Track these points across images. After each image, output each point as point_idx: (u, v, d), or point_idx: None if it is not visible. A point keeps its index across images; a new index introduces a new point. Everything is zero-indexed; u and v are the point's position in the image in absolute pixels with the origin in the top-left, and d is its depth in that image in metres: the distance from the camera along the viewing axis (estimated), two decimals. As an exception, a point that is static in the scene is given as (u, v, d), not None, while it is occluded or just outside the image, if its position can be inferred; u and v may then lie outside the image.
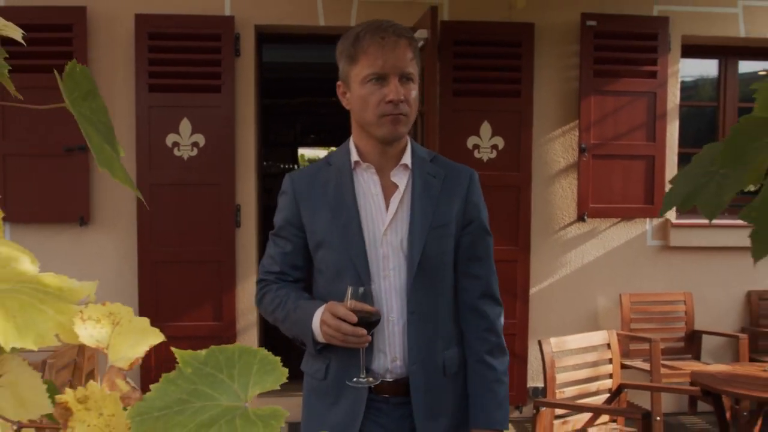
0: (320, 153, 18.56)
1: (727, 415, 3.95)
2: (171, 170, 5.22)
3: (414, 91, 2.02)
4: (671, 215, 5.81)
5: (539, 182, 5.68)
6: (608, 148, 5.69)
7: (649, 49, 5.73)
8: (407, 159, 2.10)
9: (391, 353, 2.03)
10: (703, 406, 5.68)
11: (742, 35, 5.89)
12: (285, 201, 2.12)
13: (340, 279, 2.02)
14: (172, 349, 0.61)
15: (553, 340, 3.88)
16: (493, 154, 5.55)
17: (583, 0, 5.66)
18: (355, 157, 2.09)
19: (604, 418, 4.00)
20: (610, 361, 4.09)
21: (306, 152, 17.75)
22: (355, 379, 1.98)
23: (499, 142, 5.56)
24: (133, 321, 0.63)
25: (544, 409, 3.70)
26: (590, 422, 3.92)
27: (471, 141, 5.53)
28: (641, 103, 5.74)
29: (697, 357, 5.55)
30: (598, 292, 5.71)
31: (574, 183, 5.70)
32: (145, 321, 0.64)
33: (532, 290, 5.64)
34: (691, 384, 3.95)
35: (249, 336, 5.42)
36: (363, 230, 2.04)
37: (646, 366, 5.02)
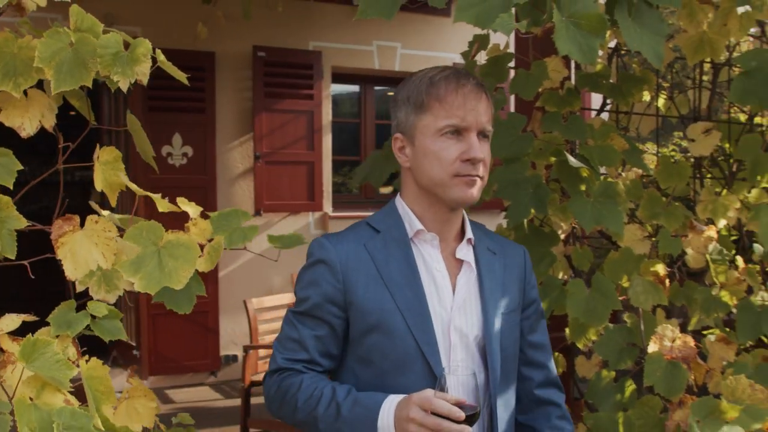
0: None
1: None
2: None
3: (489, 152, 1.79)
4: (329, 209, 7.44)
5: (223, 184, 6.99)
6: (278, 155, 7.19)
7: (307, 77, 7.33)
8: (469, 231, 1.85)
9: None
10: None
11: (376, 67, 7.75)
12: (323, 272, 1.75)
13: (402, 372, 1.69)
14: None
15: (254, 299, 5.21)
16: (184, 161, 6.75)
17: (254, 34, 7.10)
18: (417, 225, 1.78)
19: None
20: (296, 316, 5.53)
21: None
22: None
23: (189, 150, 6.78)
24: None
25: (251, 351, 5.01)
26: (284, 362, 5.31)
27: (165, 150, 6.68)
28: (302, 119, 7.33)
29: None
30: (274, 273, 7.14)
31: (251, 184, 7.10)
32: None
33: (221, 273, 6.93)
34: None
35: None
36: (431, 314, 1.73)
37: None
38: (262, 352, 5.14)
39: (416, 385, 1.65)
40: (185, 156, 6.75)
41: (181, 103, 6.73)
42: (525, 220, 2.61)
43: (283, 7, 6.85)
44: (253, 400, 5.11)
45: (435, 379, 1.66)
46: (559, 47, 2.00)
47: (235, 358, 6.94)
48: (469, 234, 1.83)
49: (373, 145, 8.04)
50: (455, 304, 1.76)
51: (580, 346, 2.71)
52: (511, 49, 3.13)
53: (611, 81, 2.95)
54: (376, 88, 8.17)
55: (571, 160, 2.42)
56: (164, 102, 6.66)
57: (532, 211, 2.44)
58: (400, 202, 1.84)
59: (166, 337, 6.61)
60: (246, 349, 5.02)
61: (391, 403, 1.62)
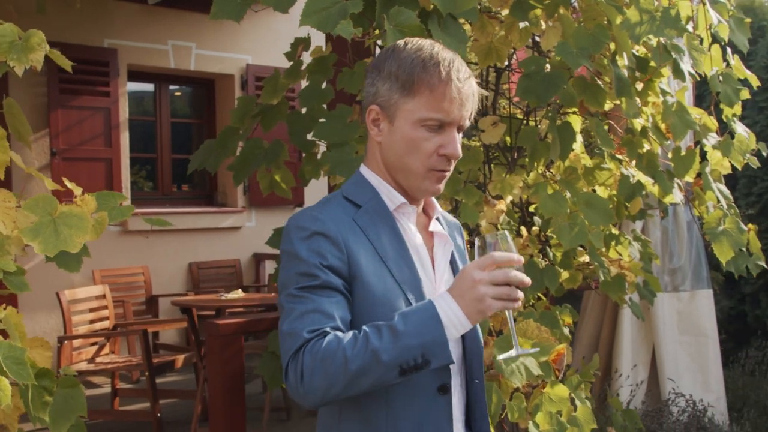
0: None
1: (195, 323, 5.79)
2: None
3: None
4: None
5: (18, 180, 6.93)
6: (76, 152, 7.24)
7: (103, 74, 7.44)
8: (437, 204, 1.85)
9: (455, 426, 1.76)
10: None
11: (172, 66, 7.98)
12: (325, 245, 1.63)
13: None
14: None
15: (67, 291, 5.34)
16: (-24, 158, 6.66)
17: (48, 29, 7.05)
18: (400, 198, 1.74)
19: (107, 350, 5.59)
20: (106, 307, 5.71)
21: None
22: (513, 353, 1.64)
23: (-19, 147, 6.70)
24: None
25: (66, 342, 5.15)
26: (98, 353, 5.47)
27: (-45, 146, 6.56)
28: (100, 116, 7.43)
29: (156, 315, 7.41)
30: (74, 271, 7.16)
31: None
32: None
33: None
34: (175, 305, 5.77)
35: None
36: (424, 290, 1.70)
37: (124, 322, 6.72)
38: (76, 342, 5.28)
39: None
40: (-23, 152, 6.66)
41: (-29, 99, 6.64)
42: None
43: (80, 3, 6.93)
44: (68, 391, 5.24)
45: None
46: (389, 50, 2.50)
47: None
48: (438, 208, 1.84)
49: (169, 143, 8.25)
50: (438, 277, 1.76)
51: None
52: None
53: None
54: (171, 87, 8.39)
55: (394, 143, 2.94)
56: (-47, 96, 6.55)
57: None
58: (370, 173, 1.78)
59: (-38, 337, 6.49)
60: (60, 339, 5.15)
61: (441, 296, 1.55)
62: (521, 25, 3.27)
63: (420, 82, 1.65)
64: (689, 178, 3.59)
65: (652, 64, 3.40)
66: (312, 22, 2.58)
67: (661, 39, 3.15)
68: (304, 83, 3.43)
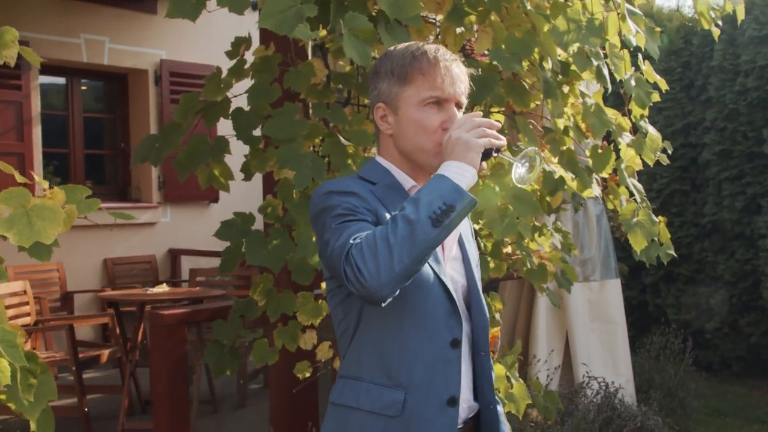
0: None
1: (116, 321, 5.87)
2: None
3: None
4: (40, 202, 7.52)
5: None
6: (-14, 146, 7.16)
7: (14, 66, 7.32)
8: None
9: (463, 393, 1.98)
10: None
11: (85, 60, 7.94)
12: (357, 202, 1.83)
13: (423, 294, 1.86)
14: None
15: (-14, 288, 5.34)
16: None
17: (-42, 20, 6.99)
18: (410, 182, 1.95)
19: (28, 346, 5.60)
20: (27, 303, 5.71)
21: None
22: (521, 169, 1.86)
23: None
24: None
25: (-11, 339, 5.14)
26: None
27: None
28: (11, 110, 7.35)
29: (72, 312, 7.38)
30: (-15, 268, 7.08)
31: (-42, 177, 7.01)
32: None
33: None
34: (102, 298, 5.81)
35: None
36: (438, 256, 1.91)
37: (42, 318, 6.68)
38: None
39: (436, 307, 1.88)
40: None
41: None
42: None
43: (-10, -6, 6.86)
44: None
45: (450, 302, 1.89)
46: (345, 52, 2.69)
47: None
48: None
49: (81, 138, 8.20)
50: (446, 252, 1.95)
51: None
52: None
53: (358, 80, 3.72)
54: (83, 80, 8.35)
55: (342, 139, 3.14)
56: None
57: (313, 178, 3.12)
58: (383, 160, 2.00)
59: None
60: (-16, 336, 5.13)
61: (441, 171, 1.76)
62: (459, 30, 3.51)
63: (413, 70, 1.90)
64: (605, 173, 3.91)
65: (573, 68, 3.70)
66: (269, 24, 2.74)
67: (585, 46, 3.45)
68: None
